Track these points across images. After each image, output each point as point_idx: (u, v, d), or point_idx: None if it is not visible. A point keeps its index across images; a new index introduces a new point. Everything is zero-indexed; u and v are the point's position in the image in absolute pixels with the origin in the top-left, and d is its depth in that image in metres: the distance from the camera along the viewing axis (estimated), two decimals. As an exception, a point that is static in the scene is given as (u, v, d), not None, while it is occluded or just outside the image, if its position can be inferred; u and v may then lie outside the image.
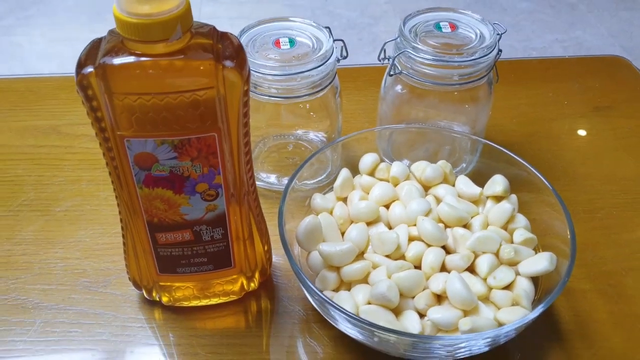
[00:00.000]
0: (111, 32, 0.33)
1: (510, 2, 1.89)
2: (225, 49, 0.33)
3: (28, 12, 1.86)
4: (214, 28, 0.34)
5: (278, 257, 0.47)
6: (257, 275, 0.43)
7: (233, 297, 0.44)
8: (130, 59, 0.31)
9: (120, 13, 0.30)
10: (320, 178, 0.51)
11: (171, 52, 0.31)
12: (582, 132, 0.61)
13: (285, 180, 0.54)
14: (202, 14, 1.77)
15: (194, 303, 0.43)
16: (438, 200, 0.45)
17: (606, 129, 0.61)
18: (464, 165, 0.52)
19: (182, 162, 0.34)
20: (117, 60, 0.31)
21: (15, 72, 1.60)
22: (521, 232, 0.42)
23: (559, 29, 1.76)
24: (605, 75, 0.69)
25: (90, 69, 0.31)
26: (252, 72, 0.46)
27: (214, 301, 0.43)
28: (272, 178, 0.54)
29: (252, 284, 0.44)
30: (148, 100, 0.31)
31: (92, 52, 0.32)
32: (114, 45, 0.32)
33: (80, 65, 0.32)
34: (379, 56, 0.51)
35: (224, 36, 0.34)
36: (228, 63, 0.32)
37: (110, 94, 0.32)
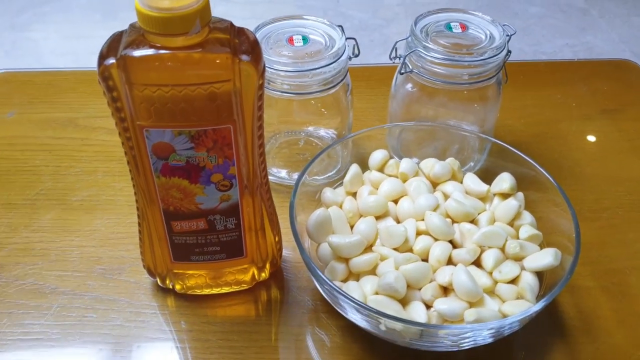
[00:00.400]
0: (132, 25, 0.34)
1: (522, 6, 1.89)
2: (242, 44, 0.34)
3: (44, 9, 1.89)
4: (231, 23, 0.35)
5: (288, 250, 0.48)
6: (267, 265, 0.44)
7: (244, 287, 0.45)
8: (151, 51, 0.32)
9: (141, 7, 0.31)
10: (330, 173, 0.53)
11: (190, 46, 0.32)
12: (589, 134, 0.62)
13: (295, 176, 0.55)
14: (214, 13, 1.78)
15: (206, 291, 0.44)
16: (446, 197, 0.46)
17: (613, 131, 0.62)
18: (472, 163, 0.53)
19: (198, 153, 0.36)
20: (138, 53, 0.32)
21: (30, 67, 1.63)
22: (527, 228, 0.43)
23: (570, 34, 1.76)
24: (613, 78, 0.70)
25: (112, 61, 0.32)
26: (265, 65, 0.47)
27: (225, 290, 0.45)
28: (283, 173, 0.55)
29: (262, 274, 0.45)
30: (167, 91, 0.33)
31: (113, 45, 0.33)
32: (135, 38, 0.33)
33: (102, 56, 0.33)
34: (390, 55, 0.52)
35: (241, 31, 0.35)
36: (244, 57, 0.33)
37: (131, 85, 0.33)
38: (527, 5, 1.90)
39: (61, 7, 1.90)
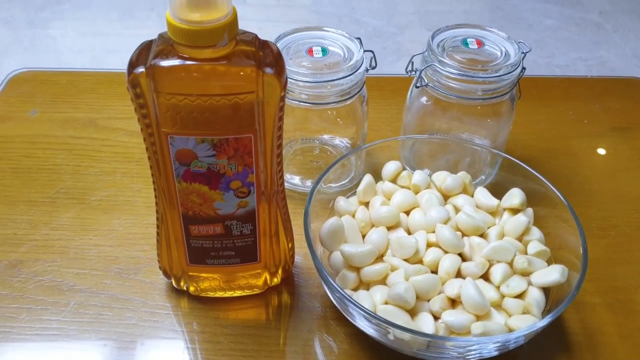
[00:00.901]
0: (161, 35, 0.35)
1: (536, 18, 1.90)
2: (266, 57, 0.35)
3: (63, 7, 1.91)
4: (256, 36, 0.37)
5: (300, 256, 0.49)
6: (280, 271, 0.46)
7: (256, 291, 0.46)
8: (178, 62, 0.34)
9: (172, 19, 0.33)
10: (343, 182, 0.54)
11: (217, 58, 0.34)
12: (600, 151, 0.63)
13: (308, 183, 0.56)
14: (230, 16, 1.80)
15: (219, 294, 0.46)
16: (457, 210, 0.47)
17: (624, 149, 0.63)
18: (483, 177, 0.54)
19: (219, 160, 0.37)
20: (166, 63, 0.34)
21: (48, 65, 1.65)
22: (535, 244, 0.43)
23: (584, 48, 1.77)
24: (625, 96, 0.71)
25: (141, 69, 0.34)
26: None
27: (238, 293, 0.46)
28: (297, 180, 0.56)
29: (274, 279, 0.46)
30: (192, 101, 0.34)
31: (143, 53, 0.35)
32: (164, 48, 0.34)
33: (132, 65, 0.34)
34: (406, 68, 0.53)
35: (265, 44, 0.36)
36: (268, 70, 0.34)
37: (158, 93, 0.34)
38: (542, 18, 1.90)
39: (80, 5, 1.92)
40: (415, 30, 1.84)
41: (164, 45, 0.34)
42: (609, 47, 1.77)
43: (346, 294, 0.38)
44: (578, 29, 1.86)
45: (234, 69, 0.34)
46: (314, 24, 1.78)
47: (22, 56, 1.69)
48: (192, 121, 0.35)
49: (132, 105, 0.35)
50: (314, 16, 1.87)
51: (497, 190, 0.49)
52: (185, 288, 0.46)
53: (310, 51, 0.50)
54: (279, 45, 0.50)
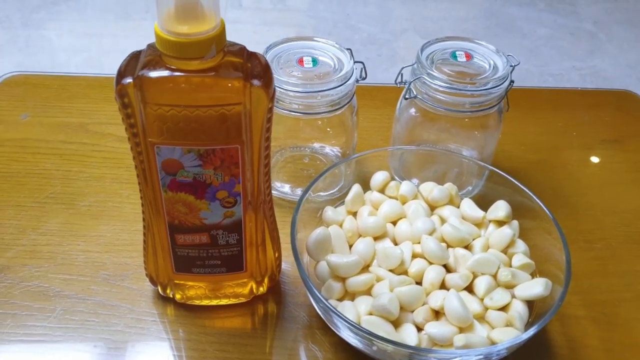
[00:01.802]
0: (150, 46, 0.36)
1: (531, 27, 1.91)
2: (254, 68, 0.35)
3: (59, 7, 1.91)
4: (244, 47, 0.37)
5: (287, 264, 0.49)
6: (266, 280, 0.46)
7: (242, 300, 0.46)
8: (166, 73, 0.34)
9: (160, 30, 0.33)
10: (332, 191, 0.54)
11: (204, 69, 0.34)
12: (588, 163, 0.63)
13: (298, 191, 0.56)
14: (225, 19, 1.80)
15: (205, 302, 0.46)
16: (443, 221, 0.47)
17: (612, 162, 0.63)
18: (470, 188, 0.54)
19: (205, 170, 0.37)
20: (154, 74, 0.34)
21: (42, 65, 1.65)
22: (520, 257, 0.44)
23: (577, 57, 1.78)
24: (615, 108, 0.71)
25: (129, 80, 0.34)
26: (275, 87, 0.49)
27: (223, 302, 0.46)
28: (287, 188, 0.57)
29: (261, 289, 0.46)
30: (179, 111, 0.34)
31: (131, 64, 0.35)
32: (152, 59, 0.35)
33: (120, 75, 0.34)
34: (396, 79, 0.53)
35: (253, 56, 0.37)
36: (256, 82, 0.35)
37: (145, 104, 0.34)
38: (536, 26, 1.91)
39: (75, 7, 1.92)
40: (410, 37, 1.84)
41: (152, 56, 0.35)
42: (602, 57, 1.78)
43: (330, 304, 0.38)
44: (572, 38, 1.87)
45: (221, 81, 0.34)
46: (310, 29, 1.80)
47: (16, 57, 1.69)
48: (178, 132, 0.35)
49: (117, 105, 0.35)
50: (309, 21, 1.87)
51: (484, 202, 0.49)
52: (171, 295, 0.46)
53: (300, 61, 0.50)
54: (269, 54, 0.51)
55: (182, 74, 0.34)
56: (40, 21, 1.84)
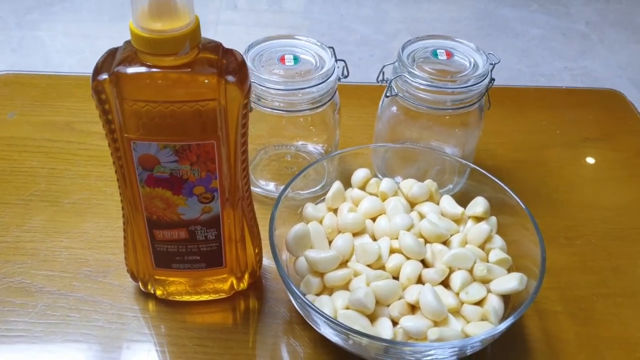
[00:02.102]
0: (127, 42, 0.36)
1: (523, 27, 1.92)
2: (229, 65, 0.36)
3: (53, 9, 1.92)
4: (220, 44, 0.37)
5: (269, 261, 0.50)
6: (246, 276, 0.46)
7: (222, 295, 0.46)
8: (142, 69, 0.34)
9: (135, 27, 0.33)
10: (315, 189, 0.54)
11: (179, 65, 0.34)
12: (570, 161, 0.64)
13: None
14: (220, 21, 1.81)
15: (186, 298, 0.46)
16: (422, 217, 0.48)
17: (594, 160, 0.64)
18: (451, 185, 0.55)
19: (182, 166, 0.37)
20: (130, 70, 0.34)
21: (36, 66, 1.65)
22: (496, 252, 0.44)
23: (569, 57, 1.79)
24: (599, 107, 0.72)
25: (105, 76, 0.34)
26: (256, 85, 0.49)
27: (204, 297, 0.46)
28: (271, 186, 0.57)
29: (241, 284, 0.46)
30: (154, 107, 0.35)
31: (108, 60, 0.35)
32: (128, 55, 0.35)
33: (97, 71, 0.35)
34: (377, 77, 0.54)
35: (229, 52, 0.37)
36: (230, 78, 0.35)
37: (122, 100, 0.35)
38: (528, 27, 1.92)
39: (70, 8, 1.92)
40: (403, 38, 1.84)
41: (128, 52, 0.35)
42: (594, 58, 1.79)
43: (306, 299, 0.39)
44: (564, 38, 1.88)
45: (196, 77, 0.34)
46: (304, 30, 1.80)
47: (10, 57, 1.69)
48: (154, 127, 0.35)
49: (93, 101, 0.36)
50: (303, 22, 1.88)
51: (465, 199, 0.50)
52: (152, 291, 0.46)
53: (282, 59, 0.51)
54: (250, 52, 0.51)
55: (157, 70, 0.34)
56: (34, 22, 1.85)
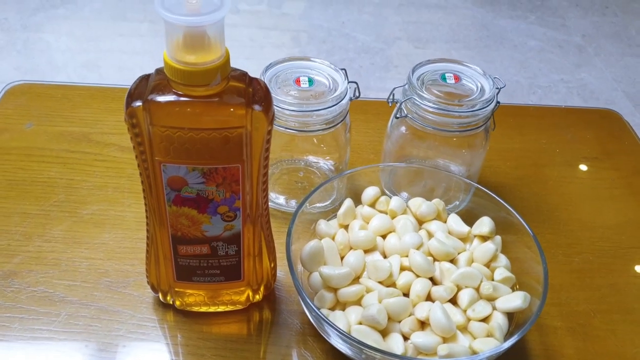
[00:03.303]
0: (158, 70, 0.38)
1: (521, 39, 1.95)
2: (255, 93, 0.38)
3: (57, 10, 1.93)
4: (246, 73, 0.39)
5: (282, 273, 0.52)
6: (262, 288, 0.48)
7: (239, 307, 0.49)
8: (173, 97, 0.36)
9: (169, 59, 0.35)
10: (325, 203, 0.56)
11: (209, 95, 0.36)
12: (569, 180, 0.66)
13: (293, 202, 0.59)
14: (222, 25, 1.83)
15: (204, 309, 0.48)
16: (430, 235, 0.50)
17: (592, 179, 0.66)
18: (457, 202, 0.57)
19: (208, 187, 0.39)
20: (162, 98, 0.36)
21: (40, 67, 1.67)
22: (501, 271, 0.47)
23: (565, 70, 1.82)
24: (597, 127, 0.74)
25: (138, 103, 0.36)
26: (274, 109, 0.51)
27: (221, 309, 0.48)
28: (281, 199, 0.59)
29: (257, 296, 0.49)
30: (185, 133, 0.37)
31: (140, 87, 0.37)
32: (159, 83, 0.37)
33: (130, 97, 0.37)
34: (387, 99, 0.56)
35: (254, 81, 0.39)
36: (257, 107, 0.37)
37: (153, 126, 0.37)
38: (526, 39, 1.95)
39: (74, 10, 1.94)
40: (403, 45, 1.88)
41: (160, 80, 0.37)
42: (590, 70, 1.82)
43: (322, 314, 0.41)
44: (561, 51, 1.91)
45: (225, 106, 0.37)
46: (304, 36, 1.82)
47: (15, 59, 1.70)
48: (184, 152, 0.37)
49: (126, 125, 0.38)
50: (304, 28, 1.90)
51: (470, 216, 0.52)
52: (171, 302, 0.48)
53: (297, 81, 0.53)
54: (268, 73, 0.53)
55: (188, 99, 0.36)
56: (38, 24, 1.86)
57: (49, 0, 1.97)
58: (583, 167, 0.68)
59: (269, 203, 0.59)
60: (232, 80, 0.38)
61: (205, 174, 0.39)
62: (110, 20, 1.88)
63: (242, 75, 0.39)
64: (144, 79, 0.38)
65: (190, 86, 0.36)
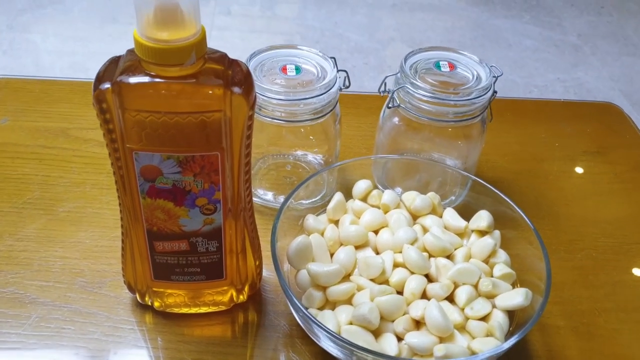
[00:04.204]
0: (129, 51, 0.35)
1: (516, 39, 1.93)
2: (235, 76, 0.35)
3: (45, 10, 1.90)
4: (226, 55, 0.37)
5: (269, 272, 0.49)
6: (246, 288, 0.45)
7: (222, 308, 0.46)
8: (145, 79, 0.33)
9: (140, 37, 0.33)
10: (315, 199, 0.54)
11: (184, 76, 0.34)
12: (569, 174, 0.63)
13: (281, 198, 0.56)
14: (214, 26, 1.81)
15: (184, 310, 0.45)
16: (425, 230, 0.47)
17: (593, 173, 0.64)
18: (453, 197, 0.54)
19: (185, 177, 0.37)
20: (133, 79, 0.33)
21: (27, 67, 1.64)
22: (501, 266, 0.44)
23: (562, 69, 1.80)
24: (597, 121, 0.72)
25: (107, 85, 0.33)
26: (258, 95, 0.49)
27: (203, 310, 0.45)
28: (269, 195, 0.56)
29: (241, 297, 0.46)
30: (159, 118, 0.34)
31: (110, 69, 0.35)
32: (131, 65, 0.34)
33: (99, 80, 0.34)
34: (379, 88, 0.53)
35: (234, 63, 0.37)
36: (236, 89, 0.34)
37: (124, 110, 0.34)
38: (522, 38, 1.93)
39: (62, 10, 1.91)
40: (397, 45, 1.85)
41: (132, 61, 0.34)
42: (586, 69, 1.80)
43: (309, 314, 0.38)
44: (557, 50, 1.89)
45: (201, 88, 0.34)
46: (297, 37, 1.80)
47: (1, 59, 1.67)
48: (157, 138, 0.35)
49: (95, 111, 0.35)
50: (297, 29, 1.87)
51: (467, 211, 0.49)
52: (150, 303, 0.45)
53: (284, 69, 0.50)
54: (252, 62, 0.51)
55: (161, 80, 0.33)
56: (25, 24, 1.83)
57: (35, 0, 1.94)
58: (583, 162, 0.65)
59: (257, 199, 0.56)
60: (210, 62, 0.35)
61: (182, 162, 0.36)
62: (99, 21, 1.85)
63: (222, 57, 0.36)
64: (114, 60, 0.35)
65: (163, 66, 0.33)
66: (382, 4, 2.08)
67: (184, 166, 0.36)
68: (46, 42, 1.75)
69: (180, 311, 0.45)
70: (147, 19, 0.32)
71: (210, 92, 0.34)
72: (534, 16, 2.06)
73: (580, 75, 1.77)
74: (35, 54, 1.70)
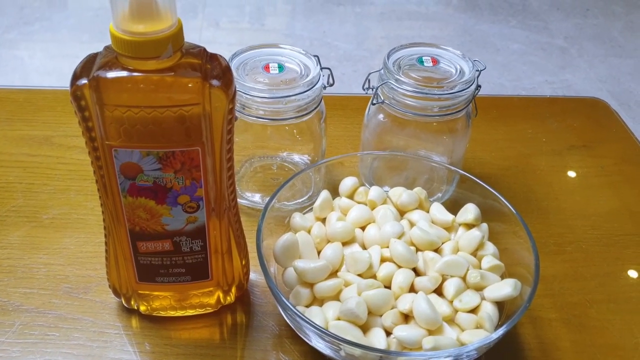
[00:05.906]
0: (107, 47, 0.35)
1: (504, 43, 1.94)
2: (214, 69, 0.35)
3: (32, 28, 1.90)
4: (204, 49, 0.36)
5: (256, 274, 0.49)
6: (233, 289, 0.45)
7: (209, 310, 0.45)
8: (122, 73, 0.33)
9: (115, 30, 0.32)
10: (302, 199, 0.53)
11: (162, 69, 0.33)
12: (557, 169, 0.63)
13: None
14: (202, 39, 1.81)
15: (171, 313, 0.44)
16: (412, 225, 0.47)
17: (581, 167, 0.64)
18: (440, 194, 0.54)
19: (165, 174, 0.36)
20: (110, 74, 0.33)
21: (14, 84, 1.63)
22: (489, 258, 0.43)
23: (549, 71, 1.81)
24: (584, 115, 0.72)
25: (84, 81, 0.33)
26: (241, 94, 0.48)
27: (190, 312, 0.45)
28: (257, 197, 0.56)
29: (228, 298, 0.45)
30: (136, 112, 0.33)
31: (87, 65, 0.34)
32: (108, 60, 0.34)
33: (76, 76, 0.34)
34: (363, 86, 0.53)
35: (213, 57, 0.36)
36: (215, 82, 0.34)
37: (102, 105, 0.34)
38: (509, 42, 1.95)
39: (49, 27, 1.91)
40: (385, 54, 1.86)
41: (109, 57, 0.34)
42: (574, 71, 1.82)
43: (297, 310, 0.37)
44: (544, 53, 1.90)
45: (179, 81, 0.33)
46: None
47: (-12, 76, 1.67)
48: (136, 134, 0.34)
49: (73, 109, 0.34)
50: (286, 39, 1.88)
51: (455, 207, 0.49)
52: (135, 307, 0.44)
53: (266, 67, 0.50)
54: (235, 61, 0.50)
55: (139, 74, 0.33)
56: (12, 41, 1.82)
57: (22, 17, 1.94)
58: (571, 156, 0.65)
59: (244, 201, 0.56)
60: (189, 56, 0.35)
61: (162, 158, 0.35)
62: (87, 38, 1.85)
63: (200, 52, 0.36)
64: (92, 57, 0.35)
65: (140, 59, 0.33)
66: (370, 13, 2.09)
67: (164, 162, 0.36)
68: (33, 59, 1.75)
69: (167, 314, 0.45)
70: (122, 12, 0.32)
71: (188, 84, 0.33)
72: (521, 20, 2.07)
73: (567, 77, 1.78)
74: (22, 71, 1.69)
